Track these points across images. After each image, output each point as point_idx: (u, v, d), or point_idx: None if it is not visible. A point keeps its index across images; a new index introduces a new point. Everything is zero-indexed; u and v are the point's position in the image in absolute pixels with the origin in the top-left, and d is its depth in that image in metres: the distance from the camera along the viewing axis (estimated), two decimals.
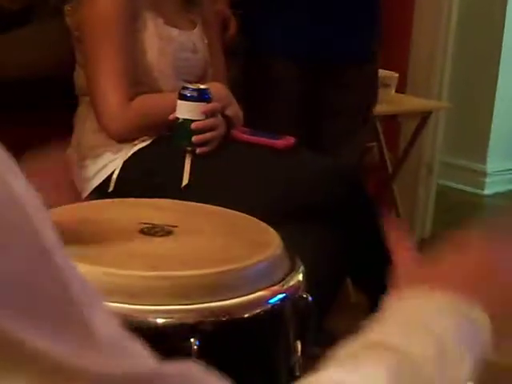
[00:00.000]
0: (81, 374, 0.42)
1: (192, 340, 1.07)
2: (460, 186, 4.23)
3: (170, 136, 1.92)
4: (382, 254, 2.10)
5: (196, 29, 2.12)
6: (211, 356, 1.06)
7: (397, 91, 2.93)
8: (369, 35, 2.46)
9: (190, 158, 1.90)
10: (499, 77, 4.16)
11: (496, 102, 4.19)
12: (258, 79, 2.34)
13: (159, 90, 1.98)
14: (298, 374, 1.20)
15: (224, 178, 1.88)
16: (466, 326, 0.64)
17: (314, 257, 1.56)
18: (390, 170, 3.08)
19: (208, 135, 1.90)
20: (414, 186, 3.37)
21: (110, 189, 1.93)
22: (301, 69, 2.34)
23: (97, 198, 1.69)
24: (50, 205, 0.57)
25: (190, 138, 1.89)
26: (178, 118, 1.89)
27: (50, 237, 0.44)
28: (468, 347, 0.63)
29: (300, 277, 1.23)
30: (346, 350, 0.61)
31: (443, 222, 3.51)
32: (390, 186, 3.08)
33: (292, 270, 1.23)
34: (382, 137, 3.00)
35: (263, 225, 1.33)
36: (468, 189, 4.23)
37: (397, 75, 2.90)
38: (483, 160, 4.27)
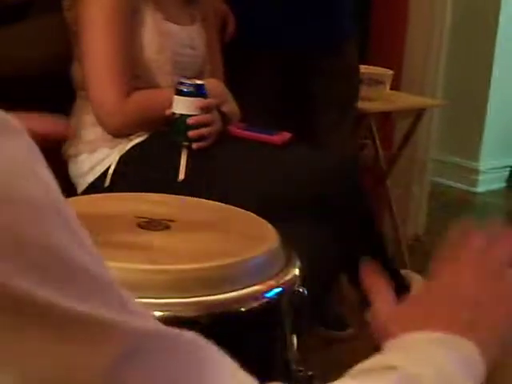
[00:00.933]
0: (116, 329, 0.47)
1: None
2: (453, 184, 4.25)
3: (167, 131, 1.93)
4: (376, 249, 2.13)
5: (195, 24, 2.12)
6: None
7: (391, 88, 2.94)
8: (344, 22, 2.49)
9: (186, 153, 1.91)
10: (493, 75, 4.18)
11: (489, 100, 4.20)
12: (240, 73, 2.34)
13: (157, 86, 1.99)
14: (293, 367, 1.21)
15: (220, 173, 1.89)
16: (457, 357, 0.66)
17: (309, 251, 1.57)
18: (384, 167, 3.09)
19: (204, 130, 1.91)
20: (407, 183, 3.38)
21: (106, 184, 1.93)
22: (282, 61, 2.36)
23: (93, 193, 1.69)
24: None
25: (187, 133, 1.89)
26: (174, 114, 1.90)
27: (76, 221, 0.49)
28: (464, 376, 0.65)
29: (296, 271, 1.24)
30: (361, 365, 0.65)
31: (436, 219, 3.52)
32: (383, 184, 3.09)
33: (288, 265, 1.24)
34: (375, 134, 3.01)
35: (260, 219, 1.34)
36: (461, 186, 4.25)
37: (391, 72, 2.91)
38: (476, 158, 4.28)
